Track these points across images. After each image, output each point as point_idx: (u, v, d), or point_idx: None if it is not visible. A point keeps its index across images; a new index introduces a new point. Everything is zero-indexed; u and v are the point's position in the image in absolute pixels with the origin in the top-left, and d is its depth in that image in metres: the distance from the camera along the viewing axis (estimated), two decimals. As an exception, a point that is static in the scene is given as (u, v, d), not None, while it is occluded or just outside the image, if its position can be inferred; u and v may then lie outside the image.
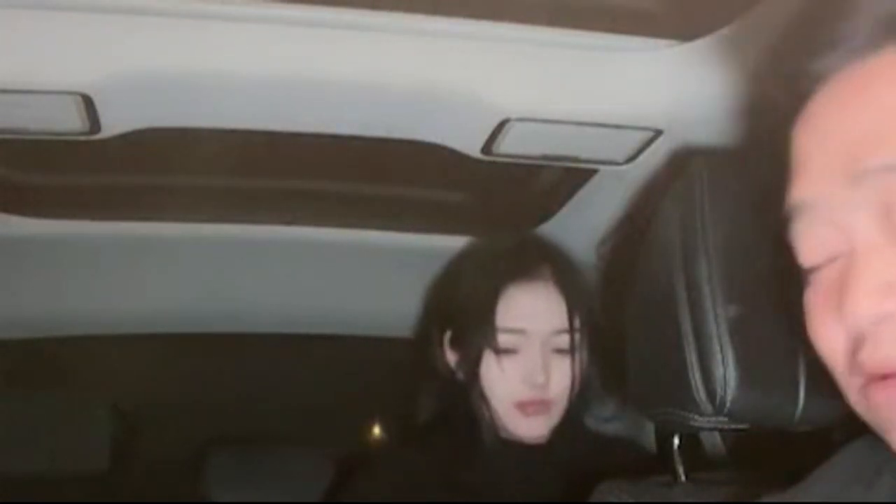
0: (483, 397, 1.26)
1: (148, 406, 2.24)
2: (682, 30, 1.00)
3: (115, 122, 1.06)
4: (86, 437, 1.97)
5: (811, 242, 0.55)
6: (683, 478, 0.93)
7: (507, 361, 1.24)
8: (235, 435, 2.16)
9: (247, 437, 2.11)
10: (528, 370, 1.23)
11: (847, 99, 0.53)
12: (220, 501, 1.88)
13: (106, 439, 1.98)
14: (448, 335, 1.32)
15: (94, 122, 1.04)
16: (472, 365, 1.26)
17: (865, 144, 0.51)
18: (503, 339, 1.24)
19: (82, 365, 1.99)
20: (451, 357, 1.32)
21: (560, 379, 1.25)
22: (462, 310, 1.29)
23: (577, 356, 1.25)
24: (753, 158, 0.84)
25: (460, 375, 1.29)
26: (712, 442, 1.24)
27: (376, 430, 2.59)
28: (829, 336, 0.54)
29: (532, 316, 1.25)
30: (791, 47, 0.57)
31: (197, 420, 2.29)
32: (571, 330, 1.25)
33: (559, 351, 1.25)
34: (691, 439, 0.95)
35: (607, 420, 1.47)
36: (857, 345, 0.52)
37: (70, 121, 1.03)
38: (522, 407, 1.24)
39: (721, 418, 0.81)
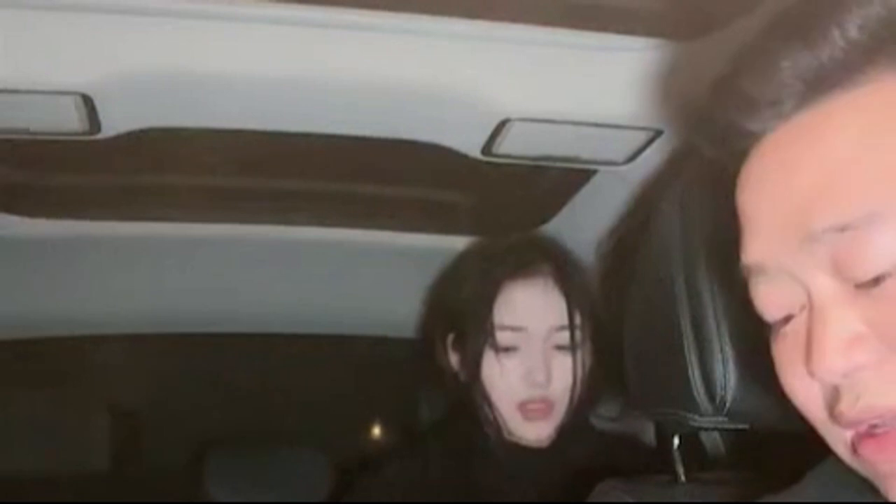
0: (486, 398, 1.25)
1: (148, 406, 2.24)
2: (682, 30, 1.00)
3: (115, 122, 1.06)
4: (86, 437, 1.97)
5: (770, 300, 0.54)
6: (683, 478, 0.93)
7: (507, 360, 1.23)
8: (235, 435, 2.16)
9: (247, 437, 2.11)
10: (529, 368, 1.22)
11: (786, 158, 0.52)
12: (220, 501, 1.88)
13: (106, 439, 1.99)
14: (451, 337, 1.32)
15: (94, 122, 1.04)
16: (473, 365, 1.25)
17: (812, 206, 0.50)
18: (503, 337, 1.23)
19: (82, 365, 1.99)
20: (455, 359, 1.31)
21: (561, 376, 1.24)
22: (462, 311, 1.28)
23: (578, 353, 1.24)
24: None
25: (464, 377, 1.28)
26: (712, 442, 1.24)
27: (376, 430, 2.59)
28: (803, 391, 0.53)
29: (531, 313, 1.25)
30: (721, 106, 0.56)
31: (197, 420, 2.30)
32: (572, 326, 1.24)
33: (560, 348, 1.24)
34: (691, 439, 0.95)
35: (613, 419, 1.47)
36: (833, 397, 0.51)
37: (70, 121, 1.03)
38: (524, 408, 1.23)
39: (721, 418, 0.81)
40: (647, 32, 1.01)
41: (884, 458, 0.49)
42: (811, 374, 0.51)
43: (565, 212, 1.41)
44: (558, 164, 1.22)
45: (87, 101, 0.99)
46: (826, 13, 0.50)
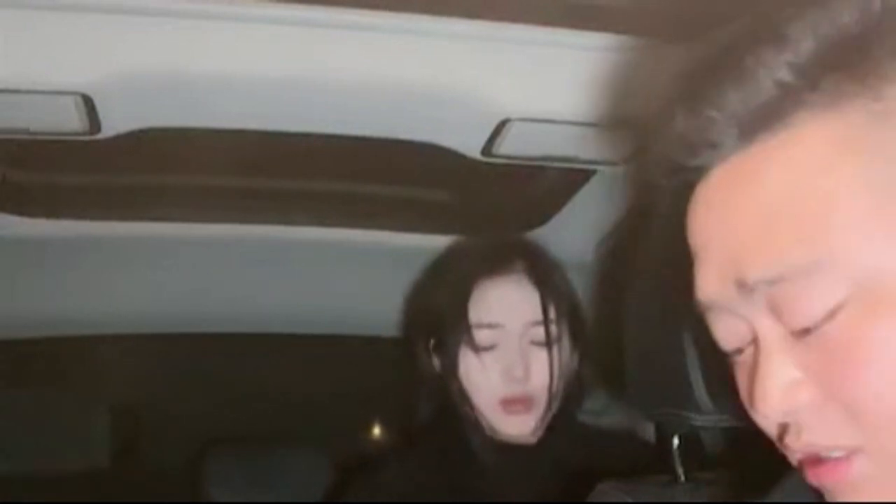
0: (466, 398, 1.25)
1: (148, 406, 2.24)
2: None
3: (115, 122, 1.06)
4: (86, 437, 1.97)
5: (722, 334, 0.56)
6: (683, 478, 0.93)
7: (486, 358, 1.24)
8: (235, 435, 2.15)
9: (247, 437, 2.11)
10: (507, 364, 1.23)
11: (725, 200, 0.52)
12: (220, 501, 1.88)
13: (106, 439, 1.98)
14: (431, 342, 1.32)
15: (94, 122, 1.04)
16: (452, 365, 1.25)
17: (746, 255, 0.50)
18: (480, 336, 1.24)
19: (82, 365, 2.00)
20: (436, 362, 1.32)
21: (540, 372, 1.24)
22: (440, 314, 1.28)
23: (555, 348, 1.25)
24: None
25: (446, 378, 1.28)
26: (712, 442, 1.23)
27: (376, 430, 2.59)
28: (763, 423, 0.55)
29: (506, 309, 1.25)
30: (662, 144, 0.57)
31: (197, 420, 2.29)
32: (546, 321, 1.24)
33: (538, 344, 1.25)
34: (691, 439, 0.95)
35: (599, 413, 1.47)
36: (781, 428, 0.53)
37: (70, 121, 1.03)
38: (506, 405, 1.24)
39: (721, 418, 0.81)
40: (647, 33, 1.01)
41: (824, 483, 0.52)
42: (755, 413, 0.53)
43: (565, 212, 1.41)
44: (558, 164, 1.22)
45: (87, 101, 0.99)
46: (756, 53, 0.50)
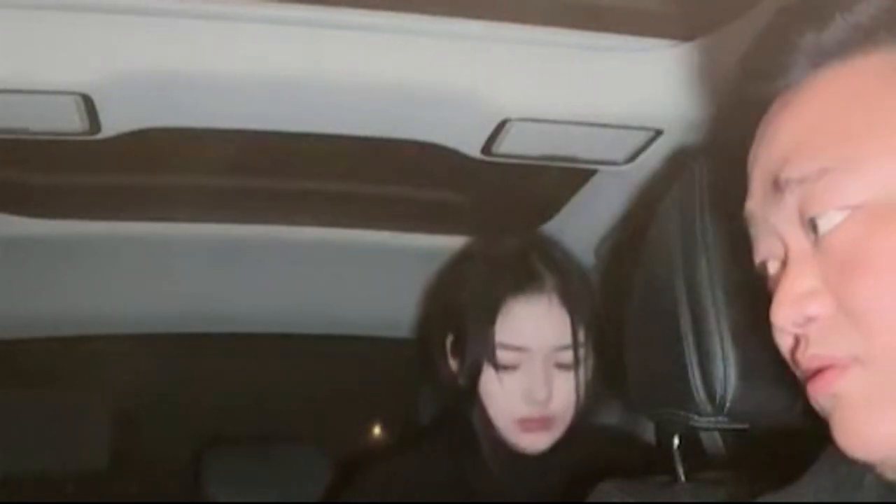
0: (483, 410, 1.22)
1: (147, 406, 2.24)
2: (682, 30, 1.00)
3: (115, 122, 1.06)
4: (86, 437, 1.97)
5: (760, 250, 0.61)
6: (683, 478, 0.93)
7: (506, 377, 1.20)
8: (235, 435, 2.15)
9: (247, 437, 2.11)
10: (529, 387, 1.19)
11: (777, 119, 0.59)
12: (219, 501, 1.88)
13: (106, 439, 1.98)
14: (450, 340, 1.29)
15: (94, 122, 1.04)
16: (471, 377, 1.22)
17: (783, 162, 0.56)
18: (503, 356, 1.19)
19: (82, 365, 1.99)
20: (453, 363, 1.28)
21: (563, 395, 1.20)
22: (463, 318, 1.24)
23: (581, 370, 1.21)
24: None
25: (462, 382, 1.25)
26: (712, 442, 1.23)
27: (376, 430, 2.59)
28: (779, 340, 0.58)
29: (533, 332, 1.20)
30: (742, 77, 0.64)
31: (196, 420, 2.30)
32: (575, 346, 1.20)
33: (562, 366, 1.20)
34: (691, 439, 0.95)
35: (610, 417, 1.46)
36: (794, 344, 0.57)
37: (70, 121, 1.03)
38: (523, 424, 1.20)
39: (721, 418, 0.81)
40: (647, 33, 1.01)
41: (818, 394, 0.55)
42: (773, 323, 0.57)
43: (565, 212, 1.41)
44: (558, 164, 1.22)
45: (87, 101, 0.99)
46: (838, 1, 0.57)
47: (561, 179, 1.35)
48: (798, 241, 0.56)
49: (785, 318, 0.55)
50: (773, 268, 0.60)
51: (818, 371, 0.55)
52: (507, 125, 1.07)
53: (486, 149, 1.14)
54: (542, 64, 1.04)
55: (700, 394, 0.81)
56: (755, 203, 0.60)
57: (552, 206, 1.42)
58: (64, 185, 1.40)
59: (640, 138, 1.12)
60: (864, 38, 0.56)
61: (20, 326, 1.61)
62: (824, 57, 0.57)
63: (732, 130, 0.68)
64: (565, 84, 1.05)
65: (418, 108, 1.07)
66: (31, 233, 1.41)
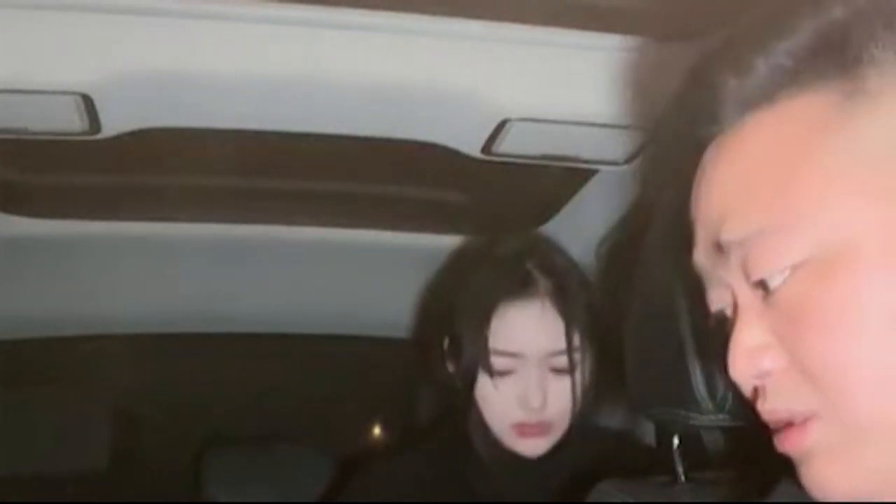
0: (479, 414, 1.22)
1: (147, 406, 2.24)
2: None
3: (115, 122, 1.06)
4: (86, 437, 1.97)
5: (712, 300, 0.60)
6: (683, 478, 0.93)
7: (501, 382, 1.18)
8: (235, 435, 2.15)
9: (247, 437, 2.11)
10: (524, 393, 1.17)
11: (712, 171, 0.57)
12: (219, 501, 1.88)
13: (106, 439, 1.98)
14: (446, 342, 1.27)
15: (94, 122, 1.04)
16: (466, 383, 1.21)
17: (721, 220, 0.55)
18: (497, 362, 1.18)
19: (82, 365, 1.99)
20: (450, 365, 1.27)
21: (559, 399, 1.19)
22: (457, 322, 1.23)
23: (577, 375, 1.19)
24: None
25: (458, 384, 1.24)
26: (712, 442, 1.23)
27: (376, 430, 2.59)
28: (742, 389, 0.58)
29: (527, 338, 1.18)
30: (676, 118, 0.62)
31: (197, 420, 2.29)
32: (570, 350, 1.18)
33: (557, 371, 1.19)
34: (691, 439, 0.95)
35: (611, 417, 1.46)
36: (755, 395, 0.56)
37: (70, 121, 1.03)
38: (519, 429, 1.19)
39: (722, 416, 0.81)
40: (647, 33, 1.01)
41: (786, 450, 0.54)
42: (730, 376, 0.56)
43: (565, 212, 1.41)
44: (558, 164, 1.22)
45: (87, 101, 0.99)
46: (756, 42, 0.56)
47: (561, 179, 1.35)
48: (746, 295, 0.55)
49: (740, 373, 0.55)
50: (724, 314, 0.59)
51: (781, 427, 0.54)
52: (507, 125, 1.07)
53: (486, 149, 1.14)
54: (542, 64, 1.04)
55: (700, 393, 0.81)
56: (700, 256, 0.59)
57: (552, 206, 1.42)
58: (64, 185, 1.40)
59: (640, 138, 1.12)
60: (788, 81, 0.54)
61: (20, 326, 1.61)
62: (750, 102, 0.55)
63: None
64: (565, 84, 1.05)
65: (418, 108, 1.07)
66: (31, 233, 1.41)
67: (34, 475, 1.93)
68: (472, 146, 1.14)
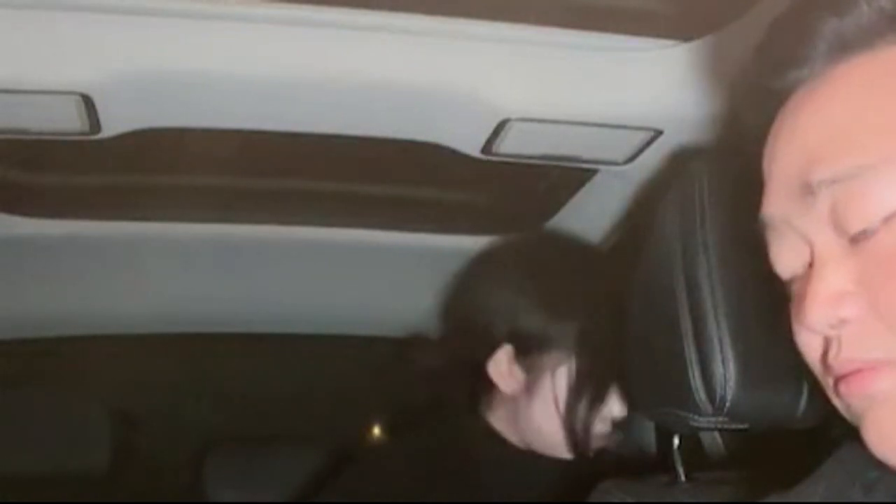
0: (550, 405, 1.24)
1: (148, 406, 2.24)
2: (682, 30, 1.00)
3: (115, 122, 1.05)
4: (86, 437, 1.97)
5: (782, 255, 0.58)
6: (683, 478, 0.93)
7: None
8: (235, 435, 2.15)
9: (247, 437, 2.11)
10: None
11: (799, 114, 0.56)
12: (220, 501, 1.88)
13: (106, 439, 1.98)
14: (509, 348, 1.27)
15: (94, 122, 1.04)
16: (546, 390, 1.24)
17: (812, 161, 0.54)
18: None
19: (82, 365, 1.99)
20: (518, 373, 1.27)
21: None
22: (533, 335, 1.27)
23: None
24: (749, 158, 0.84)
25: (513, 388, 1.26)
26: (712, 442, 1.23)
27: (376, 430, 2.59)
28: (805, 343, 0.57)
29: None
30: (757, 66, 0.61)
31: (197, 420, 2.29)
32: None
33: None
34: (691, 439, 0.95)
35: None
36: (826, 349, 0.55)
37: (70, 121, 1.03)
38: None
39: (721, 418, 0.82)
40: (647, 33, 1.01)
41: (851, 396, 0.54)
42: (800, 324, 0.55)
43: (565, 212, 1.41)
44: (558, 164, 1.22)
45: (87, 101, 0.99)
46: None
47: (561, 179, 1.35)
48: (829, 242, 0.54)
49: (818, 320, 0.53)
50: (793, 271, 0.58)
51: (850, 373, 0.53)
52: (507, 125, 1.07)
53: (486, 149, 1.14)
54: (542, 64, 1.04)
55: (700, 394, 0.81)
56: (775, 206, 0.57)
57: (552, 206, 1.42)
58: (64, 185, 1.40)
59: (640, 138, 1.12)
60: (886, 27, 0.54)
61: (20, 326, 1.61)
62: (847, 44, 0.55)
63: (740, 127, 0.67)
64: (565, 84, 1.05)
65: (418, 108, 1.07)
66: (31, 233, 1.41)
67: (34, 475, 1.93)
68: (472, 146, 1.14)
